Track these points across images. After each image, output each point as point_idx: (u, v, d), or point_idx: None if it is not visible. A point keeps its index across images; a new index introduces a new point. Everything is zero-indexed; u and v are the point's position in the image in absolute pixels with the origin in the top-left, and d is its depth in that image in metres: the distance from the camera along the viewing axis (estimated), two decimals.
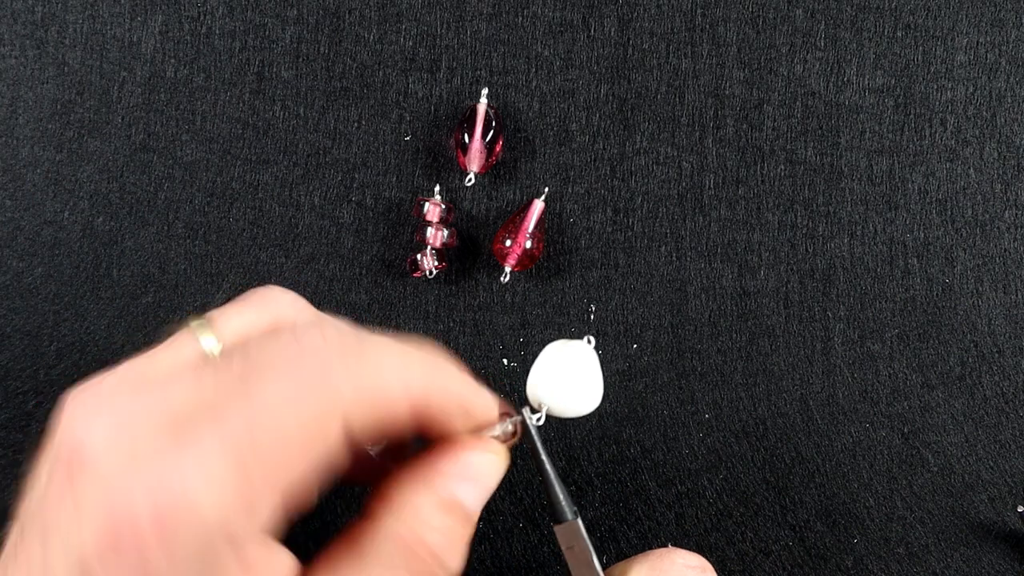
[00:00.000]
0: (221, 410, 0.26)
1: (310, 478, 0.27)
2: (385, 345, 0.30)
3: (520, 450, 0.38)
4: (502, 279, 0.53)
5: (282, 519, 0.27)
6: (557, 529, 0.36)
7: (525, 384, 0.54)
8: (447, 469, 0.33)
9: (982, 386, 0.53)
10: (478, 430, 0.34)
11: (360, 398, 0.28)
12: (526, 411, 0.36)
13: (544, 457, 0.36)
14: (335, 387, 0.27)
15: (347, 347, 0.29)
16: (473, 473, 0.33)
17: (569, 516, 0.36)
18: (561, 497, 0.36)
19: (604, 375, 0.53)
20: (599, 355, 0.38)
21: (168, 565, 0.25)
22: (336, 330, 0.30)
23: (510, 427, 0.35)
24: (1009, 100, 0.54)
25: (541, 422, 0.36)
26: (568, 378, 0.38)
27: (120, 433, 0.27)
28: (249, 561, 0.26)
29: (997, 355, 0.53)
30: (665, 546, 0.52)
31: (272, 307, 0.34)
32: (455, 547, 0.32)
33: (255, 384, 0.27)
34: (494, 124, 0.52)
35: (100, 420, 0.28)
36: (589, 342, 0.39)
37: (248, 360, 0.28)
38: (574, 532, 0.36)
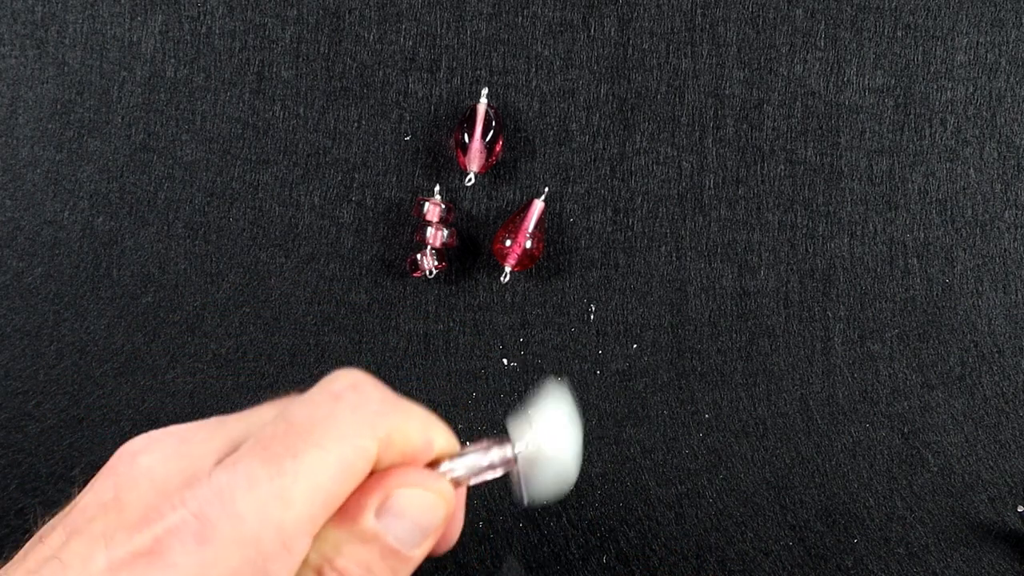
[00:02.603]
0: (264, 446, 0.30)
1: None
2: (323, 436, 0.31)
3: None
4: (502, 279, 0.53)
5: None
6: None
7: (525, 384, 0.54)
8: (367, 502, 0.32)
9: (982, 386, 0.53)
10: (416, 462, 0.33)
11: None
12: (517, 445, 0.33)
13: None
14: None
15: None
16: (399, 509, 0.32)
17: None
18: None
19: (604, 375, 0.53)
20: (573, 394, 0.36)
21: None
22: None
23: (485, 462, 0.33)
24: (1009, 100, 0.54)
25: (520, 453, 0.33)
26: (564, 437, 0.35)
27: (169, 455, 0.31)
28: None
29: (997, 355, 0.53)
30: (665, 547, 0.52)
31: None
32: None
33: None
34: (494, 124, 0.52)
35: (153, 444, 0.32)
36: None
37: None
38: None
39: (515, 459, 0.33)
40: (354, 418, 0.31)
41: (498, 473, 0.33)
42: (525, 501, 0.34)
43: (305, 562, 0.30)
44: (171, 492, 0.30)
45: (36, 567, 0.30)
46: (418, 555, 0.32)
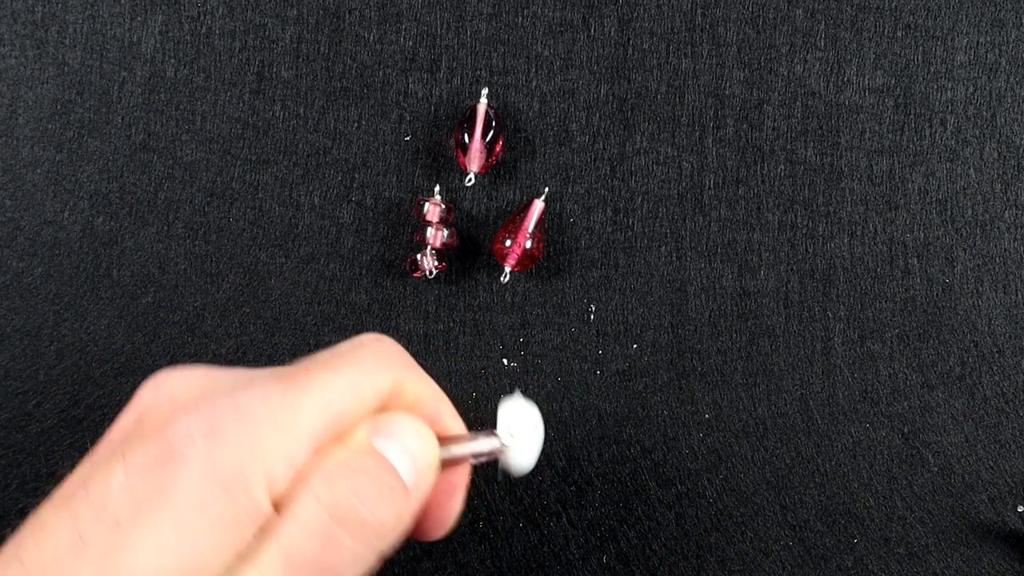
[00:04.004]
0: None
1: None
2: (320, 378, 0.32)
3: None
4: (502, 279, 0.53)
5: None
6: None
7: (525, 385, 0.54)
8: (363, 425, 0.33)
9: (982, 386, 0.53)
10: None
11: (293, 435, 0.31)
12: (501, 433, 0.36)
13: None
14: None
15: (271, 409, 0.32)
16: (391, 430, 0.33)
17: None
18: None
19: (604, 375, 0.53)
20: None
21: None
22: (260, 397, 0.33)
23: (487, 446, 0.36)
24: (1009, 100, 0.54)
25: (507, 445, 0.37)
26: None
27: (193, 383, 0.33)
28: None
29: (997, 355, 0.53)
30: (665, 547, 0.52)
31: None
32: (379, 493, 0.32)
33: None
34: (494, 124, 0.52)
35: (178, 373, 0.34)
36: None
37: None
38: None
39: (501, 447, 0.36)
40: (373, 358, 0.33)
41: (484, 459, 0.36)
42: (507, 472, 0.37)
43: (303, 477, 0.31)
44: (188, 404, 0.31)
45: (64, 500, 0.31)
46: (408, 485, 0.33)
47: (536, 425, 0.38)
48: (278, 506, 0.31)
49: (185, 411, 0.31)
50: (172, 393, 0.33)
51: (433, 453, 0.34)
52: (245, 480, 0.30)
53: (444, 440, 0.35)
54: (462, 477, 0.37)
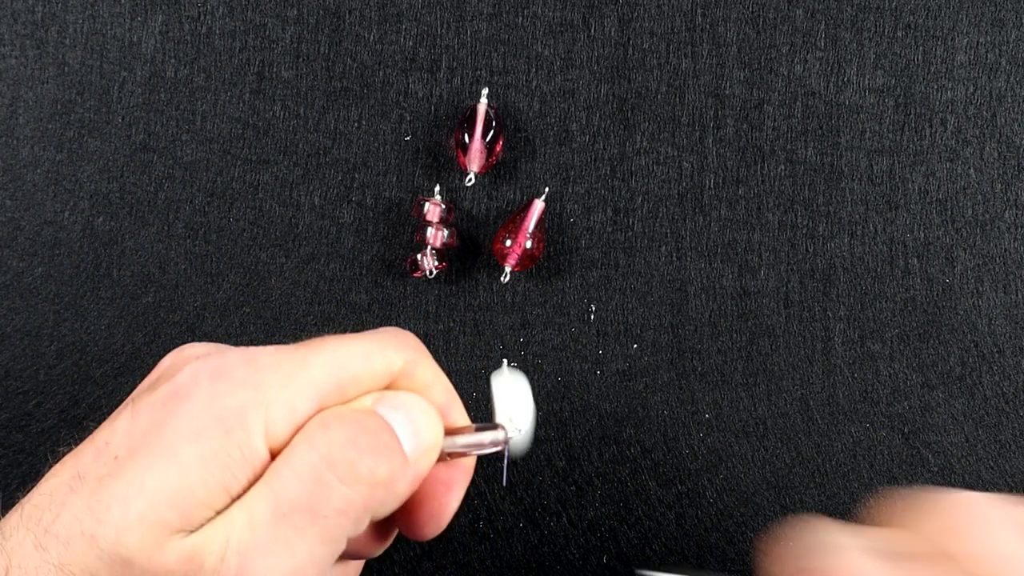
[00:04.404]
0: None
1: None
2: (336, 343, 0.33)
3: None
4: (502, 279, 0.53)
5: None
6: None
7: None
8: (368, 395, 0.33)
9: (982, 386, 0.53)
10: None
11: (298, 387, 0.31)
12: (504, 428, 0.37)
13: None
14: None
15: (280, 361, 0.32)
16: (396, 402, 0.33)
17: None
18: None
19: (604, 375, 0.53)
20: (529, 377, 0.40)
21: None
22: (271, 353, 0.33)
23: (488, 438, 0.36)
24: (1009, 100, 0.54)
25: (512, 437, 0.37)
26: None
27: (214, 350, 0.34)
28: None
29: (997, 355, 0.53)
30: (665, 547, 0.52)
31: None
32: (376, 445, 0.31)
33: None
34: (494, 124, 0.52)
35: (203, 343, 0.35)
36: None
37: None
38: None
39: (506, 441, 0.36)
40: (390, 337, 0.34)
41: (488, 451, 0.36)
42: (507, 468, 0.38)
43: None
44: (202, 355, 0.32)
45: (72, 449, 0.32)
46: (408, 456, 0.32)
47: (528, 402, 0.38)
48: (275, 455, 0.31)
49: (197, 358, 0.32)
50: (191, 354, 0.34)
51: (436, 432, 0.34)
52: (244, 421, 0.30)
53: (450, 432, 0.35)
54: (462, 474, 0.37)
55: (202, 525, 0.29)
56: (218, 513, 0.30)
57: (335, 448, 0.30)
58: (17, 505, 0.31)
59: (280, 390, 0.31)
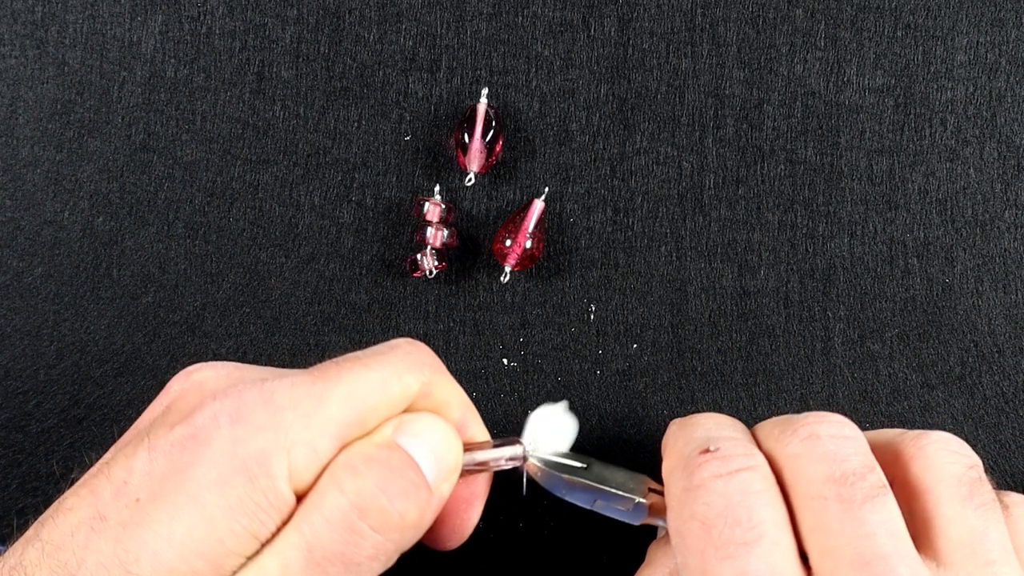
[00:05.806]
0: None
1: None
2: (351, 372, 0.33)
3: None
4: (502, 279, 0.53)
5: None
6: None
7: (525, 385, 0.54)
8: (388, 424, 0.33)
9: (982, 386, 0.53)
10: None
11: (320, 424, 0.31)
12: (524, 443, 0.37)
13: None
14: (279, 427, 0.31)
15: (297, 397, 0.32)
16: (416, 430, 0.33)
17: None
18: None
19: (604, 375, 0.53)
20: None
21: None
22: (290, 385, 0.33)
23: (507, 454, 0.36)
24: (1009, 100, 0.54)
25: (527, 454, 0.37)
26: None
27: (222, 374, 0.34)
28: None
29: (997, 355, 0.53)
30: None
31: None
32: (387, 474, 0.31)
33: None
34: (494, 124, 0.52)
35: (209, 365, 0.35)
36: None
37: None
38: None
39: (524, 457, 0.36)
40: (404, 359, 0.34)
41: (506, 467, 0.36)
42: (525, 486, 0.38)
43: (327, 468, 0.31)
44: (217, 391, 0.32)
45: (86, 482, 0.31)
46: (430, 484, 0.32)
47: (567, 433, 0.37)
48: (301, 497, 0.31)
49: (213, 396, 0.31)
50: (202, 382, 0.33)
51: (457, 454, 0.34)
52: (268, 467, 0.30)
53: (468, 447, 0.35)
54: (482, 488, 0.37)
55: (234, 572, 0.29)
56: (249, 559, 0.30)
57: (366, 497, 0.30)
58: (34, 535, 0.30)
59: (301, 431, 0.30)
